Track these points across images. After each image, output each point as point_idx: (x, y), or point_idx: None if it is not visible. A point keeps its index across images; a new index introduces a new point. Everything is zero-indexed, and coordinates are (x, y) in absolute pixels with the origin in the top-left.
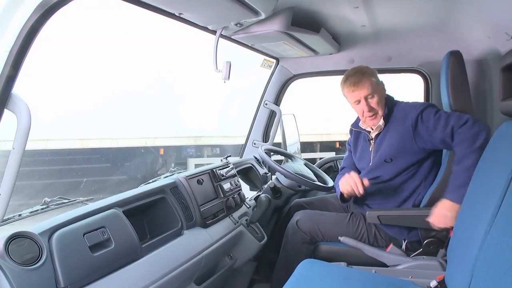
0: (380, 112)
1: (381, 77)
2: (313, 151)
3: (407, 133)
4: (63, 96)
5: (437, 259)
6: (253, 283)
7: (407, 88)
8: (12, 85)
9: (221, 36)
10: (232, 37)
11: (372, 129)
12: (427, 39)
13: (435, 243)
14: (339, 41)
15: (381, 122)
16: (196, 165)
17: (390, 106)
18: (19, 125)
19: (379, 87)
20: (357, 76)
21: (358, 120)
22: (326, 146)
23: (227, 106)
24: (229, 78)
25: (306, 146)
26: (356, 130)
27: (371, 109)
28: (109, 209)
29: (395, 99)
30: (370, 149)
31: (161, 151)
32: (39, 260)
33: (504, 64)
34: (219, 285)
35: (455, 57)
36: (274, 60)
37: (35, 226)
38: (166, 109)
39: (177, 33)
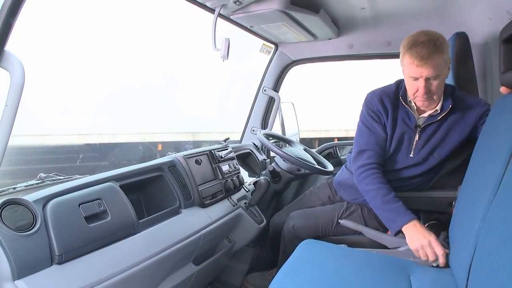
0: (436, 96)
1: (380, 62)
2: (312, 147)
3: (469, 128)
4: (60, 92)
5: (439, 241)
6: (252, 270)
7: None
8: (4, 42)
9: (220, 15)
10: (231, 17)
11: (417, 112)
12: (427, 22)
13: (437, 225)
14: (338, 25)
15: (438, 107)
16: None
17: (449, 94)
18: (12, 82)
19: (446, 67)
20: (429, 49)
21: (405, 90)
22: (325, 142)
23: (225, 103)
24: (228, 56)
25: (305, 142)
26: (403, 106)
27: (428, 91)
28: (106, 182)
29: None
30: (415, 139)
31: (159, 147)
32: (33, 227)
33: (504, 37)
34: (217, 268)
35: (461, 38)
36: (273, 46)
37: (29, 195)
38: (164, 104)
39: (176, 27)
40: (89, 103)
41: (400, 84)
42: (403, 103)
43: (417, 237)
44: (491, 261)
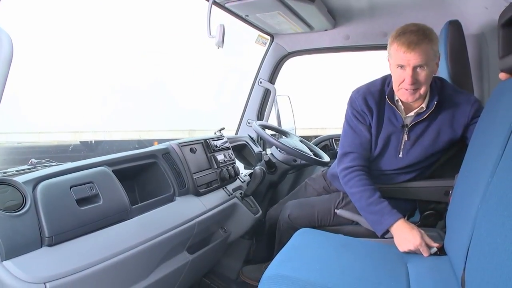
0: (423, 90)
1: (376, 54)
2: None
3: (460, 128)
4: (54, 89)
5: (436, 230)
6: (248, 263)
7: None
8: None
9: (214, 3)
10: (226, 5)
11: (404, 111)
12: (423, 13)
13: (433, 215)
14: (334, 15)
15: (424, 104)
16: None
17: (437, 89)
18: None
19: (434, 59)
20: (418, 36)
21: (392, 88)
22: None
23: (221, 99)
24: (223, 44)
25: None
26: (390, 105)
27: (415, 81)
28: (98, 166)
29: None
30: (403, 139)
31: (155, 144)
32: (23, 208)
33: (503, 21)
34: (212, 258)
35: (454, 26)
36: (269, 37)
37: (20, 177)
38: (160, 101)
39: (172, 25)
40: (84, 100)
41: (385, 81)
42: (389, 102)
43: (404, 240)
44: (489, 241)
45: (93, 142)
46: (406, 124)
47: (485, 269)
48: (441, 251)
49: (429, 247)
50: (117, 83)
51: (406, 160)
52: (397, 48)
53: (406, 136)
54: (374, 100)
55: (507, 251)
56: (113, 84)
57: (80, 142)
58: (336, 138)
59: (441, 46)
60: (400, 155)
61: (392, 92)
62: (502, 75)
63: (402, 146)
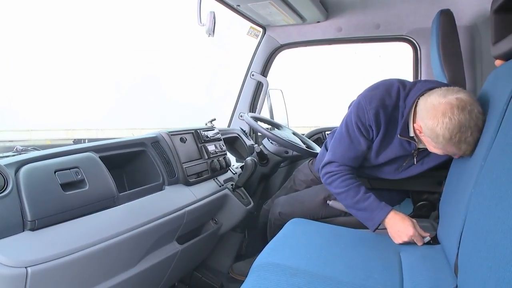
0: None
1: (369, 46)
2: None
3: None
4: (47, 86)
5: (429, 221)
6: (240, 257)
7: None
8: None
9: None
10: None
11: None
12: (416, 4)
13: (427, 206)
14: (326, 7)
15: None
16: None
17: None
18: None
19: None
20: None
21: (406, 123)
22: None
23: (216, 97)
24: (213, 31)
25: None
26: (404, 139)
27: None
28: (84, 152)
29: None
30: (409, 161)
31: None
32: (4, 190)
33: (495, 6)
34: (203, 250)
35: (446, 16)
36: (261, 29)
37: (2, 160)
38: (153, 101)
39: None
40: (78, 97)
41: (399, 93)
42: (404, 139)
43: (397, 233)
44: (482, 224)
45: (86, 140)
46: (419, 148)
47: (478, 252)
48: (435, 241)
49: (422, 236)
50: (110, 81)
51: (403, 174)
52: (448, 150)
53: (415, 159)
54: (386, 116)
55: (501, 232)
56: (107, 82)
57: (73, 141)
58: (329, 130)
59: (432, 36)
60: (399, 170)
61: (406, 127)
62: (498, 62)
63: (405, 164)
